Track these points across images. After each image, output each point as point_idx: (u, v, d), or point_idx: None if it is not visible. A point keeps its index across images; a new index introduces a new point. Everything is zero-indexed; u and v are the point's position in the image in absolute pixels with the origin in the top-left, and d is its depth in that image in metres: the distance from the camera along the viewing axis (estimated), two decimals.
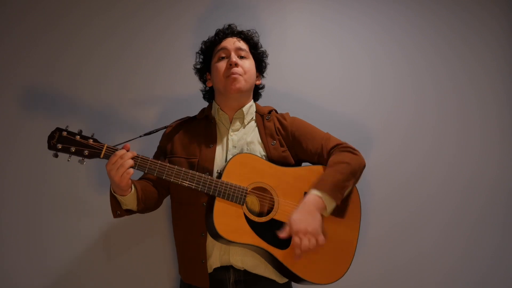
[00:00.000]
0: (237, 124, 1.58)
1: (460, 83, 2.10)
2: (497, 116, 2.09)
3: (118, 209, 1.43)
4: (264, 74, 1.72)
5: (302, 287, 1.74)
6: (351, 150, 1.52)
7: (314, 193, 1.41)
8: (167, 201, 1.68)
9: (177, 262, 1.61)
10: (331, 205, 1.42)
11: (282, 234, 1.36)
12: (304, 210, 1.38)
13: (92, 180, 1.87)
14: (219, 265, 1.45)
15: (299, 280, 1.45)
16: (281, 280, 1.50)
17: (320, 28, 2.08)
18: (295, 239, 1.34)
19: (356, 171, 1.48)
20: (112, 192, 1.40)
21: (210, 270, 1.46)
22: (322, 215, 1.41)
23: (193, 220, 1.46)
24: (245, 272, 1.46)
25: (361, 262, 1.81)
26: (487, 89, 2.10)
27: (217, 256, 1.45)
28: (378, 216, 1.95)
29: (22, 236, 1.83)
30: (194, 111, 1.68)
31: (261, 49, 1.67)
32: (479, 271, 1.98)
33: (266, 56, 1.69)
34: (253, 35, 1.65)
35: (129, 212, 1.47)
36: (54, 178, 1.87)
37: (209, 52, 1.64)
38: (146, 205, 1.49)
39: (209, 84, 1.66)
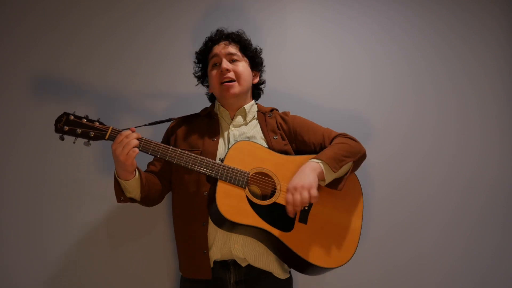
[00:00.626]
0: (239, 120, 1.60)
1: (460, 83, 2.10)
2: (497, 116, 2.09)
3: (121, 195, 1.45)
4: (264, 74, 1.73)
5: (302, 282, 1.74)
6: (353, 138, 1.58)
7: (312, 160, 1.45)
8: (167, 197, 1.68)
9: (177, 259, 1.61)
10: (328, 173, 1.44)
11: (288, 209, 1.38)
12: (299, 172, 1.41)
13: (92, 175, 1.87)
14: (219, 257, 1.46)
15: (302, 264, 1.44)
16: (283, 274, 1.50)
17: (320, 28, 2.09)
18: (288, 196, 1.37)
19: (356, 153, 1.52)
20: (116, 176, 1.41)
21: (211, 264, 1.46)
22: (319, 185, 1.45)
23: (194, 210, 1.47)
24: (246, 269, 1.46)
25: (361, 262, 1.81)
26: (487, 89, 2.10)
27: (218, 246, 1.45)
28: (378, 215, 1.95)
29: (22, 233, 1.83)
30: (193, 110, 1.69)
31: (252, 48, 1.67)
32: (479, 271, 1.98)
33: (260, 53, 1.70)
34: (242, 35, 1.66)
35: (132, 200, 1.48)
36: (54, 173, 1.86)
37: (204, 60, 1.67)
38: (150, 194, 1.50)
39: (210, 90, 1.69)
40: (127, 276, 1.83)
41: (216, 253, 1.46)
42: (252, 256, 1.46)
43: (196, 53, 1.69)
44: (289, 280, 1.55)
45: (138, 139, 1.37)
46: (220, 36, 1.64)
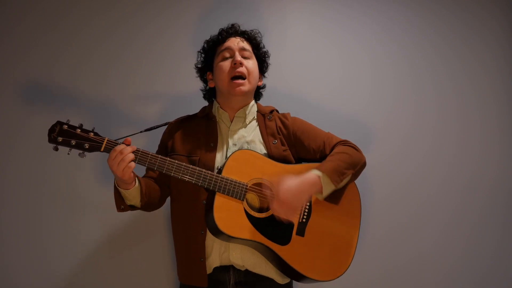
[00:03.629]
0: (238, 123, 1.58)
1: (460, 83, 2.10)
2: (497, 116, 2.09)
3: (122, 204, 1.44)
4: (265, 74, 1.72)
5: (302, 285, 1.74)
6: (354, 146, 1.55)
7: (314, 172, 1.42)
8: (167, 202, 1.68)
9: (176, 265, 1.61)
10: (327, 187, 1.42)
11: (266, 190, 1.39)
12: (299, 184, 1.38)
13: (92, 180, 1.87)
14: (218, 265, 1.45)
15: (299, 277, 1.44)
16: (282, 280, 1.49)
17: (320, 28, 2.08)
18: (275, 205, 1.36)
19: (356, 164, 1.49)
20: (116, 186, 1.40)
21: (209, 271, 1.45)
22: (317, 198, 1.45)
23: (192, 218, 1.45)
24: (246, 272, 1.46)
25: (361, 262, 1.81)
26: (487, 89, 2.10)
27: (216, 254, 1.44)
28: (378, 216, 1.95)
29: (22, 236, 1.83)
30: (194, 110, 1.67)
31: (263, 50, 1.67)
32: (479, 271, 1.98)
33: (268, 57, 1.69)
34: (256, 35, 1.64)
35: (132, 208, 1.47)
36: (54, 177, 1.87)
37: (212, 51, 1.62)
38: (150, 201, 1.49)
39: (211, 84, 1.64)
40: (126, 281, 1.83)
41: (215, 261, 1.45)
42: (251, 264, 1.45)
43: (206, 41, 1.65)
44: (289, 284, 1.54)
45: (134, 151, 1.34)
46: (235, 31, 1.61)
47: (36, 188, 1.86)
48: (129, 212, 1.50)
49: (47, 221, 1.84)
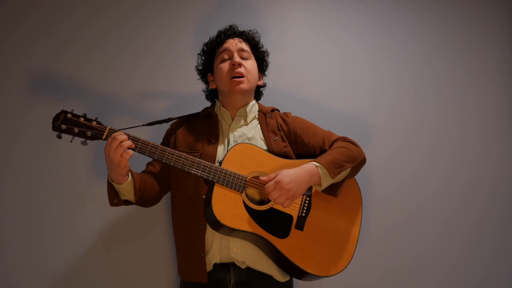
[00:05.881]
0: (240, 121, 1.60)
1: (460, 83, 2.10)
2: (497, 116, 2.09)
3: (115, 198, 1.45)
4: (266, 73, 1.74)
5: (302, 285, 1.74)
6: (353, 142, 1.57)
7: (313, 163, 1.44)
8: (167, 199, 1.68)
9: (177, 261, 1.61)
10: (326, 179, 1.44)
11: (264, 178, 1.39)
12: (298, 172, 1.40)
13: (91, 177, 1.87)
14: (218, 261, 1.45)
15: (298, 272, 1.44)
16: (283, 278, 1.50)
17: (320, 28, 2.09)
18: (270, 184, 1.36)
19: (355, 158, 1.51)
20: (110, 180, 1.41)
21: (209, 267, 1.45)
22: (317, 191, 1.47)
23: (192, 212, 1.46)
24: (246, 271, 1.46)
25: (361, 261, 1.81)
26: (488, 89, 2.10)
27: (216, 249, 1.44)
28: (379, 215, 1.95)
29: (21, 235, 1.83)
30: (193, 111, 1.68)
31: (262, 49, 1.69)
32: (479, 271, 1.97)
33: (267, 56, 1.71)
34: (254, 35, 1.67)
35: (127, 202, 1.48)
36: (53, 170, 1.86)
37: (211, 53, 1.66)
38: (145, 196, 1.49)
39: (212, 86, 1.67)
40: (126, 278, 1.83)
41: (215, 256, 1.45)
42: (251, 259, 1.45)
43: (205, 44, 1.68)
44: (289, 283, 1.54)
45: (134, 140, 1.36)
46: (233, 32, 1.64)
47: (36, 181, 1.86)
48: (129, 207, 1.50)
49: (46, 217, 1.84)
